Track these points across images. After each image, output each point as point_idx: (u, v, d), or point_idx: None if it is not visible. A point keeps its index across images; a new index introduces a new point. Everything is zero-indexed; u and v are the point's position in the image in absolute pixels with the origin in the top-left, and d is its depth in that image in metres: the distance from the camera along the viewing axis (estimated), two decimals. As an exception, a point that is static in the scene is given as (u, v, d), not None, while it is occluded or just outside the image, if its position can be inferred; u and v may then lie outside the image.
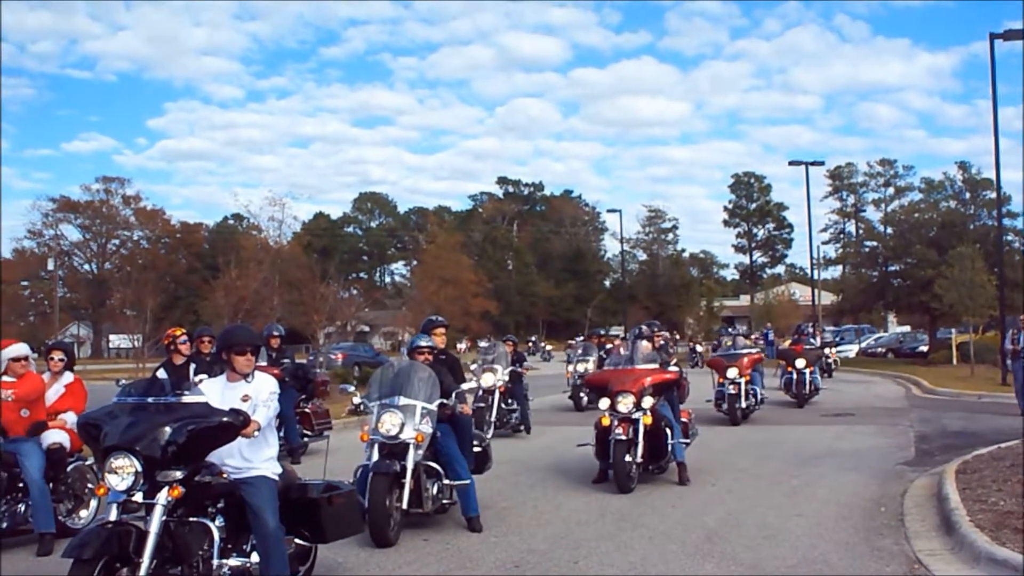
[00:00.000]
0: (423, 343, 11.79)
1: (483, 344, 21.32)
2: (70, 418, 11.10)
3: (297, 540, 8.06)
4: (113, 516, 6.75)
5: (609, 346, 25.52)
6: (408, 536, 10.57)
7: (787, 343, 33.54)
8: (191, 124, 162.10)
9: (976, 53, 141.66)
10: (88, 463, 11.49)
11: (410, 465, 10.53)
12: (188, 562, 6.97)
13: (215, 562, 7.15)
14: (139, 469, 6.67)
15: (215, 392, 7.63)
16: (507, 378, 20.34)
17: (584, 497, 12.99)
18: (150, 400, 7.01)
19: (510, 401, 20.68)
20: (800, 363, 27.15)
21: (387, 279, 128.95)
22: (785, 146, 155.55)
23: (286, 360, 17.43)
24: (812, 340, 30.28)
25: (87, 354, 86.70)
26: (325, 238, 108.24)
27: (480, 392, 19.39)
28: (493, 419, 19.60)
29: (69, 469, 11.15)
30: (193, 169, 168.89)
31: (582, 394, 25.78)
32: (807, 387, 27.18)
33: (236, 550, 7.46)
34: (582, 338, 37.81)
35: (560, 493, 13.38)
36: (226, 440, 7.20)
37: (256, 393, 7.70)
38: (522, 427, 20.99)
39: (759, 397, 23.83)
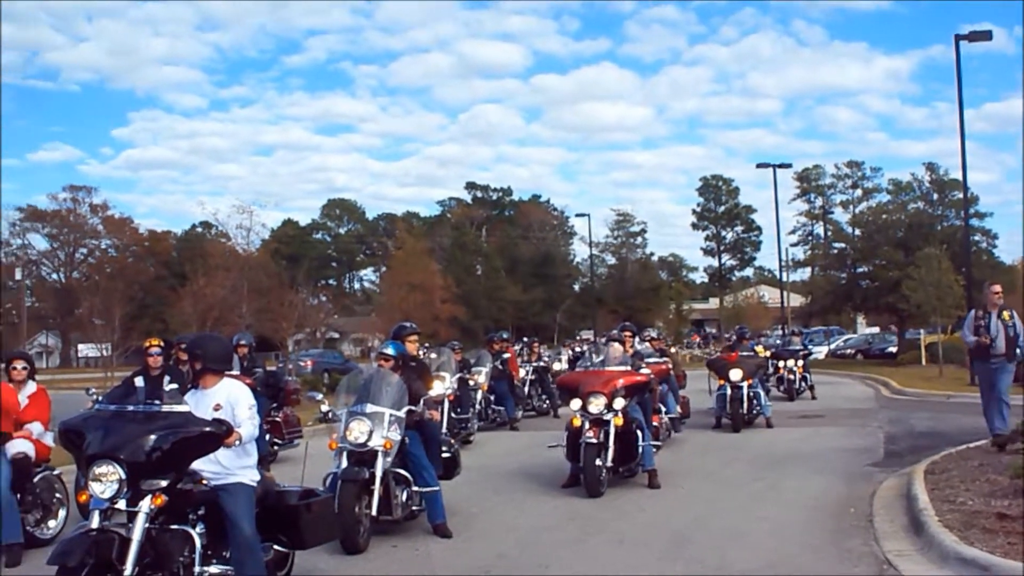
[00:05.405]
0: (389, 351, 11.76)
1: (432, 355, 19.93)
2: (36, 428, 11.08)
3: (275, 546, 8.08)
4: (95, 523, 6.79)
5: (507, 355, 24.67)
6: (377, 543, 10.58)
7: (721, 350, 28.40)
8: (155, 133, 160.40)
9: (933, 56, 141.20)
10: (56, 473, 11.44)
11: (379, 472, 10.57)
12: (169, 569, 7.01)
13: (197, 569, 7.18)
14: (123, 477, 6.71)
15: (188, 400, 7.59)
16: (455, 386, 19.43)
17: (553, 501, 13.04)
18: (130, 408, 7.02)
19: (459, 410, 19.79)
20: (735, 375, 21.40)
21: (356, 285, 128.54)
22: (746, 150, 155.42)
23: (258, 369, 17.35)
24: (753, 346, 25.12)
25: (56, 364, 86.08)
26: (293, 245, 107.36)
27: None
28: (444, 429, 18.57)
29: (37, 479, 11.09)
30: (157, 178, 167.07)
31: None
32: (744, 405, 21.42)
33: (216, 557, 7.50)
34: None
35: (529, 497, 13.43)
36: (209, 450, 7.25)
37: (230, 401, 7.68)
38: (472, 437, 20.17)
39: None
